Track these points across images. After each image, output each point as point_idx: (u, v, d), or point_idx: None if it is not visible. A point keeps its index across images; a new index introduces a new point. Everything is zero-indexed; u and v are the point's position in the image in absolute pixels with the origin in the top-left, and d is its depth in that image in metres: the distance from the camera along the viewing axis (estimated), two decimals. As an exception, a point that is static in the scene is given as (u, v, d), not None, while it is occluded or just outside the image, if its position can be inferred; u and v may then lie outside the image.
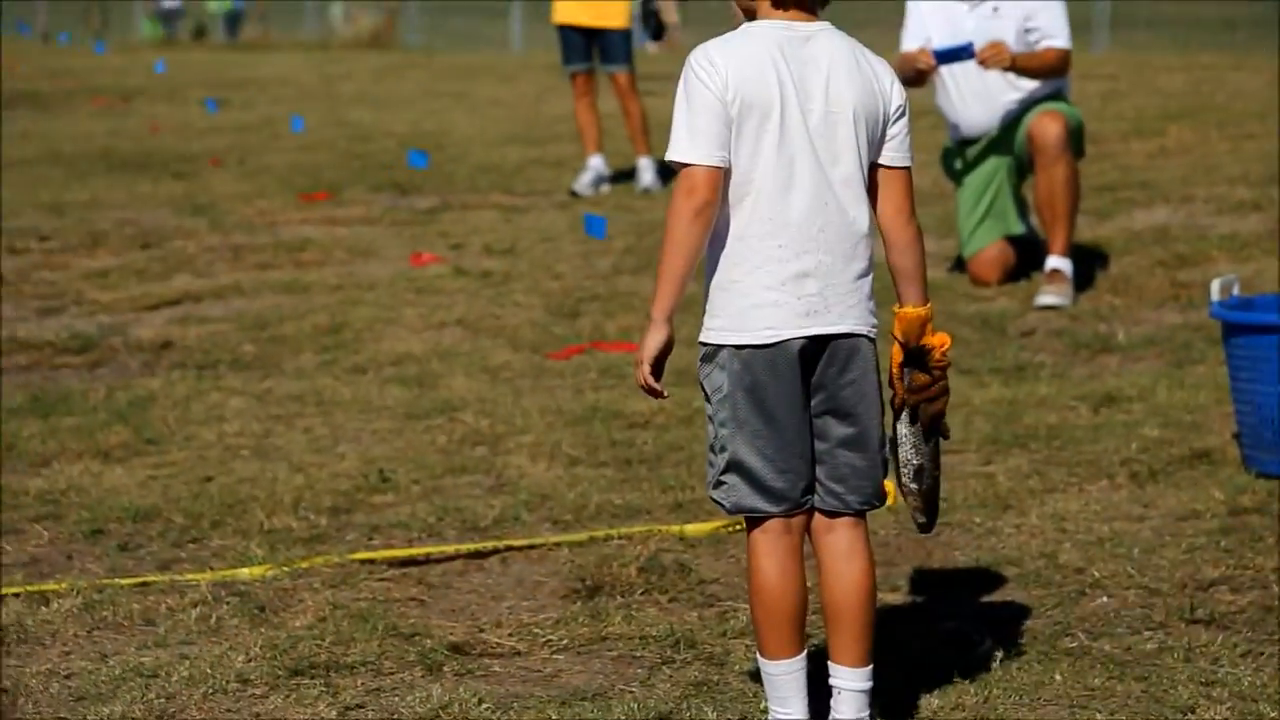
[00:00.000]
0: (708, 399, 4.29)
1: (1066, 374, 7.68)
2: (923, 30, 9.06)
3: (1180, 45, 23.98)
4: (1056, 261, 8.92)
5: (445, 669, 4.94)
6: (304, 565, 5.71)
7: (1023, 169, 9.24)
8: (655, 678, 4.83)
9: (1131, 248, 9.94)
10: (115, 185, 13.88)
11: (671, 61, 20.30)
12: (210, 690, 4.81)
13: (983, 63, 8.79)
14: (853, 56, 4.26)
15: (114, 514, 6.26)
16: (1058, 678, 4.70)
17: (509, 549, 5.84)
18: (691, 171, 4.19)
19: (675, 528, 5.92)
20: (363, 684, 4.85)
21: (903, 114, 4.30)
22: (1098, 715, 4.52)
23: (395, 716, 4.65)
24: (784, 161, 4.19)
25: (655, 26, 12.92)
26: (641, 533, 5.89)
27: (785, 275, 4.19)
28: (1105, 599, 5.25)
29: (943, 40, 8.96)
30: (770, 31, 4.23)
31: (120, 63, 27.12)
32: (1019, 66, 8.84)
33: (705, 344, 4.27)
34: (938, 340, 4.34)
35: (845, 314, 4.23)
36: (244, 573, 5.65)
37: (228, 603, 5.42)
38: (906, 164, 4.31)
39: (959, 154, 9.35)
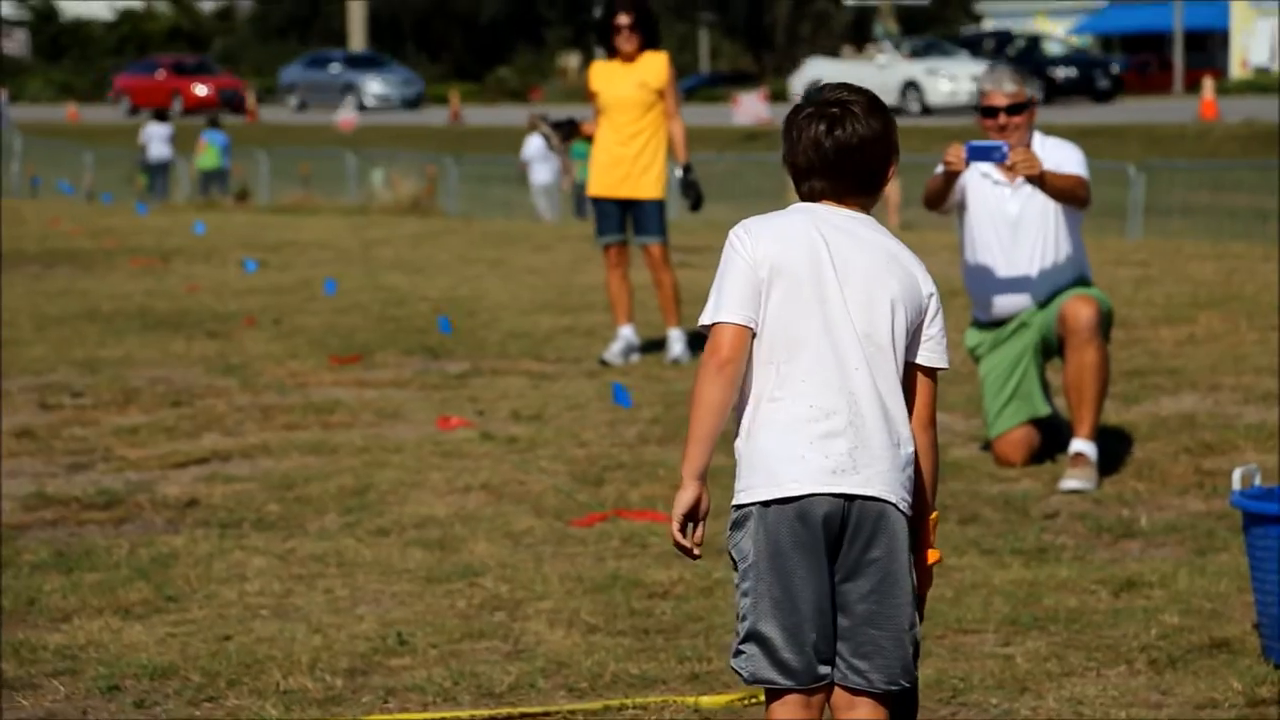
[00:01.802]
0: (735, 568, 4.32)
1: (1088, 557, 7.66)
2: (960, 187, 9.10)
3: (1213, 234, 24.08)
4: (1081, 445, 8.92)
5: (454, 836, 4.93)
6: (318, 727, 5.71)
7: (1050, 351, 9.26)
8: None
9: (1157, 434, 9.94)
10: (149, 344, 13.98)
11: (708, 233, 20.45)
12: None
13: (1012, 166, 8.77)
14: (888, 245, 4.37)
15: (131, 671, 6.27)
16: None
17: (523, 716, 5.83)
18: (717, 330, 4.29)
19: (690, 699, 5.91)
20: None
21: (934, 304, 4.37)
22: None
23: None
24: (815, 326, 4.27)
25: (695, 198, 12.97)
26: (657, 703, 5.88)
27: (814, 434, 4.24)
28: (1119, 785, 5.22)
29: (986, 225, 9.06)
30: (813, 209, 4.38)
31: (161, 223, 27.38)
32: (1047, 180, 8.81)
33: (736, 507, 4.32)
34: (931, 554, 4.40)
35: (874, 478, 4.25)
36: (258, 733, 5.66)
37: (240, 762, 5.43)
38: (941, 365, 4.39)
39: (987, 334, 9.38)
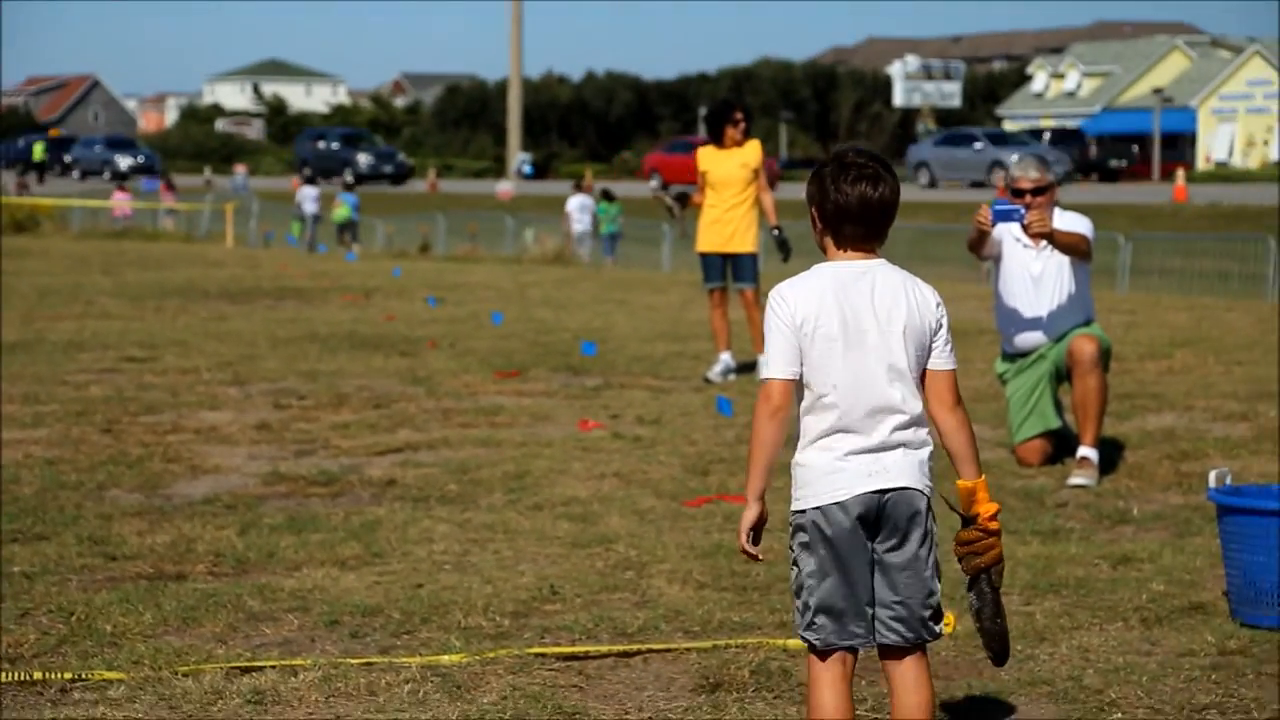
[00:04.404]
0: (794, 560, 4.21)
1: (1091, 538, 7.58)
2: (997, 243, 9.04)
3: (1185, 290, 23.83)
4: (1086, 451, 8.84)
5: (598, 741, 4.92)
6: (491, 655, 5.71)
7: (1061, 377, 9.18)
8: (762, 757, 4.78)
9: (1145, 443, 9.83)
10: (356, 360, 14.07)
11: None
12: (416, 747, 4.82)
13: (1027, 226, 8.70)
14: (903, 285, 4.20)
15: (347, 609, 6.30)
16: (1080, 775, 4.61)
17: (650, 651, 5.82)
18: (769, 384, 4.19)
19: (780, 641, 5.87)
20: (534, 749, 4.83)
21: (942, 327, 4.22)
22: (1112, 806, 4.43)
23: (558, 776, 4.64)
24: (848, 368, 4.13)
25: (786, 252, 12.94)
26: (754, 644, 5.84)
27: (849, 449, 4.13)
28: (1119, 715, 5.15)
29: (1015, 278, 9.00)
30: (831, 269, 4.21)
31: (365, 268, 27.54)
32: (1056, 237, 8.74)
33: (796, 512, 4.19)
34: (984, 509, 4.23)
35: (900, 475, 4.12)
36: (445, 659, 5.67)
37: (432, 681, 5.43)
38: (950, 367, 4.24)
39: (1012, 363, 9.31)
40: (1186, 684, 5.42)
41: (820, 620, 4.16)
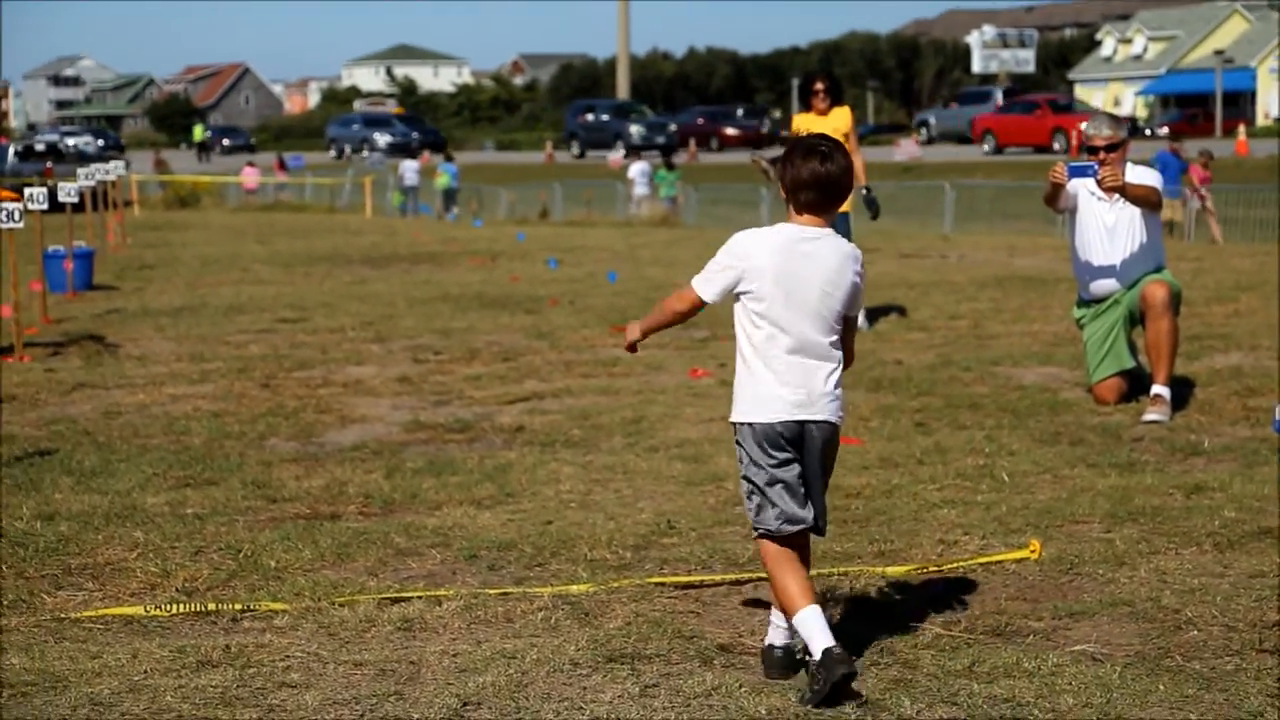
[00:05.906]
0: (742, 459, 4.69)
1: (1166, 469, 7.47)
2: (1072, 197, 8.91)
3: (1248, 237, 23.38)
4: (1159, 389, 8.71)
5: (715, 662, 4.92)
6: (616, 585, 5.73)
7: (1135, 320, 9.05)
8: (866, 675, 4.76)
9: (1213, 381, 9.67)
10: (485, 317, 14.14)
11: (879, 238, 20.22)
12: (551, 669, 4.85)
13: (1100, 181, 8.58)
14: (841, 253, 4.63)
15: (484, 544, 6.35)
16: (1161, 688, 4.57)
17: (759, 579, 5.81)
18: (691, 292, 4.69)
19: (879, 569, 5.86)
20: (657, 670, 4.84)
21: (860, 283, 4.67)
22: (1190, 716, 4.39)
23: (679, 694, 4.64)
24: (788, 313, 4.60)
25: (875, 210, 12.87)
26: (855, 571, 5.83)
27: (785, 381, 4.60)
28: (1195, 632, 5.08)
29: (1090, 230, 8.87)
30: (788, 229, 4.69)
31: (491, 233, 27.66)
32: (1128, 190, 8.62)
33: (735, 423, 4.65)
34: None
35: (824, 408, 4.60)
36: (574, 588, 5.70)
37: (563, 609, 5.46)
38: (856, 313, 4.72)
39: (1088, 309, 9.18)
40: (1258, 603, 5.34)
41: (766, 513, 4.61)
